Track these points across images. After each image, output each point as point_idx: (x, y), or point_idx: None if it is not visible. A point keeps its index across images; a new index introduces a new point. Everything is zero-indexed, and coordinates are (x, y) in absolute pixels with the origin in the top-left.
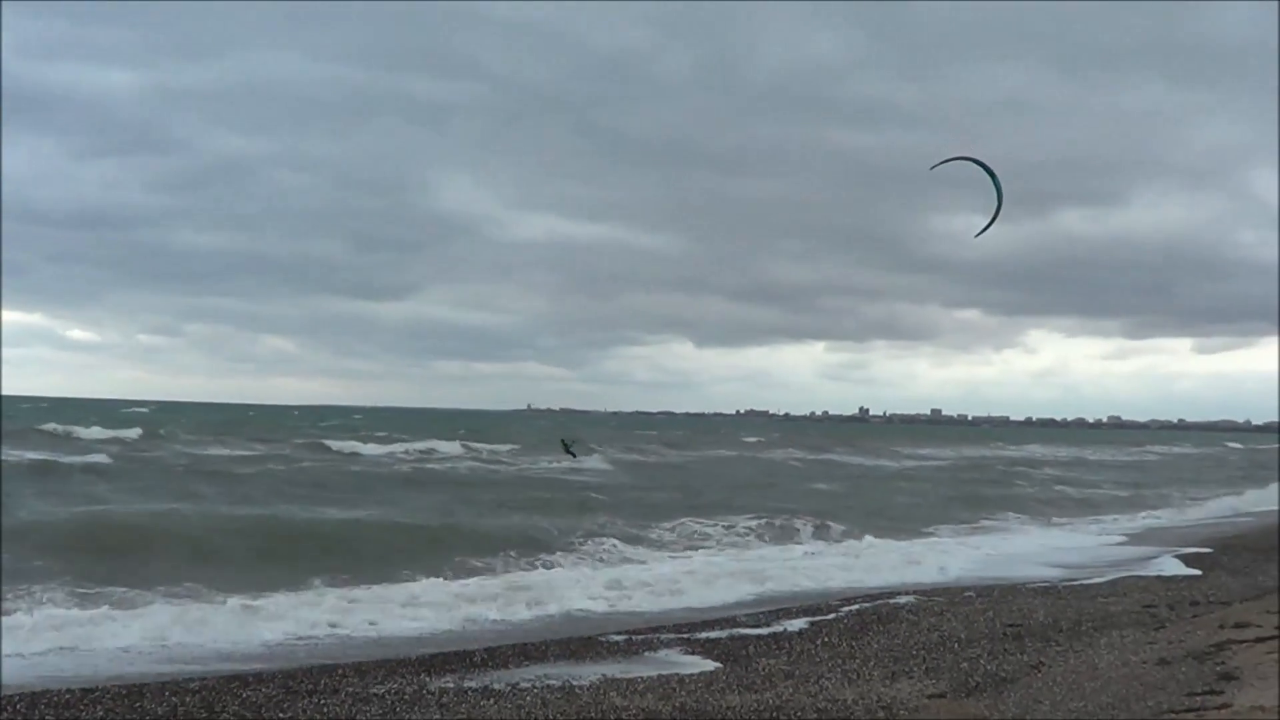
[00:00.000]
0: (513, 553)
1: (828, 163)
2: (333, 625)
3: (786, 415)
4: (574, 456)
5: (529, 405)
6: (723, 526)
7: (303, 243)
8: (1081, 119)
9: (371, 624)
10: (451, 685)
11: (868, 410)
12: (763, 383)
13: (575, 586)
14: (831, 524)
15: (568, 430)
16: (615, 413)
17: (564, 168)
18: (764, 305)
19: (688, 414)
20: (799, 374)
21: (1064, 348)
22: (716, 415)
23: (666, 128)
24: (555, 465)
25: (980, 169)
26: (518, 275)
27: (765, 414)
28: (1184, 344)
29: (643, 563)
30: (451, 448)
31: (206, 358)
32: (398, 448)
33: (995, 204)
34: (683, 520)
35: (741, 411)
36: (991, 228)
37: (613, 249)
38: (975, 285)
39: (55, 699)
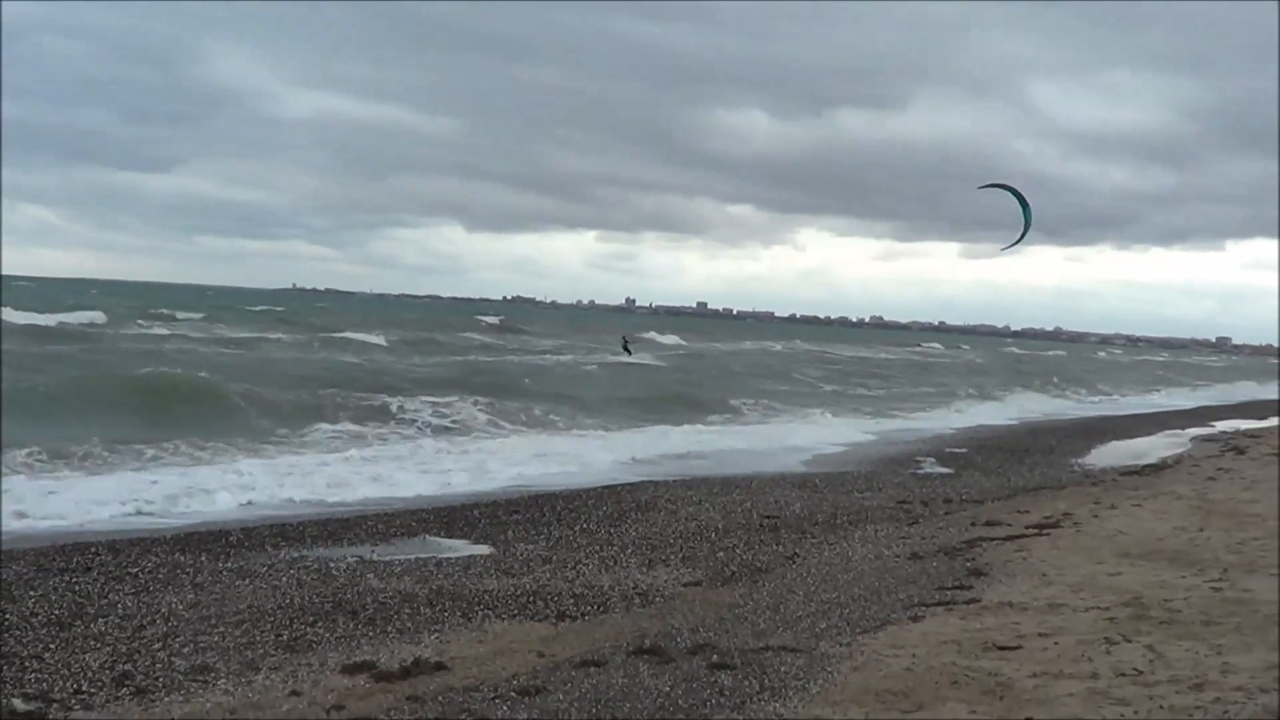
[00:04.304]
0: None
1: (612, 53)
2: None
3: (554, 303)
4: (630, 354)
5: (294, 285)
6: None
7: (69, 111)
8: (870, 23)
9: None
10: (207, 565)
11: (634, 301)
12: (530, 270)
13: None
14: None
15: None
16: (381, 295)
17: (341, 45)
18: (538, 193)
19: (454, 298)
20: (568, 263)
21: (833, 247)
22: (483, 300)
23: (449, 8)
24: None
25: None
26: (289, 153)
27: (532, 301)
28: (951, 249)
29: None
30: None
31: None
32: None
33: (1023, 226)
34: None
35: (509, 298)
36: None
37: (388, 130)
38: (750, 182)
39: None
